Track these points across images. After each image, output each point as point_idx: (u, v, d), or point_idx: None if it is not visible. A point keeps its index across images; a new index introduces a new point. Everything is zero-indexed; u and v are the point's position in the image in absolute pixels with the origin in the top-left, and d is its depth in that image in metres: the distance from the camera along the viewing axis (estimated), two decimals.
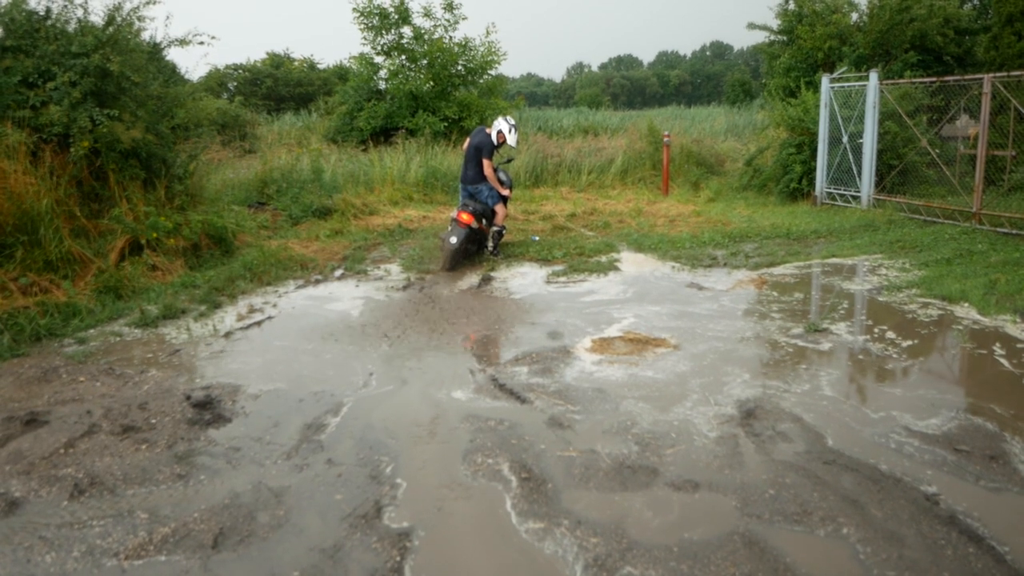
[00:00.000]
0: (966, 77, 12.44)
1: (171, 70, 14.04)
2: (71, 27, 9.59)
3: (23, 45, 9.17)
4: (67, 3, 9.66)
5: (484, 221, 9.75)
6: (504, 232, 10.12)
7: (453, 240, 9.18)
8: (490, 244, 9.95)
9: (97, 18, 9.78)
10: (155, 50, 10.76)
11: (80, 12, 9.72)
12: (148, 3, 10.13)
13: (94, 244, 8.55)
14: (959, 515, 3.46)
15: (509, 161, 11.74)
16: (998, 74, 11.27)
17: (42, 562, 3.28)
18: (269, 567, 3.22)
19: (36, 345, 6.41)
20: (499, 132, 9.84)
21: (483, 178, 9.75)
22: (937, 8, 16.82)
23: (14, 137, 8.27)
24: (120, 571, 3.20)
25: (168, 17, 10.88)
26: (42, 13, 9.53)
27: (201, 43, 10.80)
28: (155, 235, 8.85)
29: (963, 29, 17.04)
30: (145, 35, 10.41)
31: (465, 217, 9.30)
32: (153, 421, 4.78)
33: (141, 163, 9.55)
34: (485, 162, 9.61)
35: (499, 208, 9.93)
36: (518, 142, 10.88)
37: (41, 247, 7.86)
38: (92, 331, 6.78)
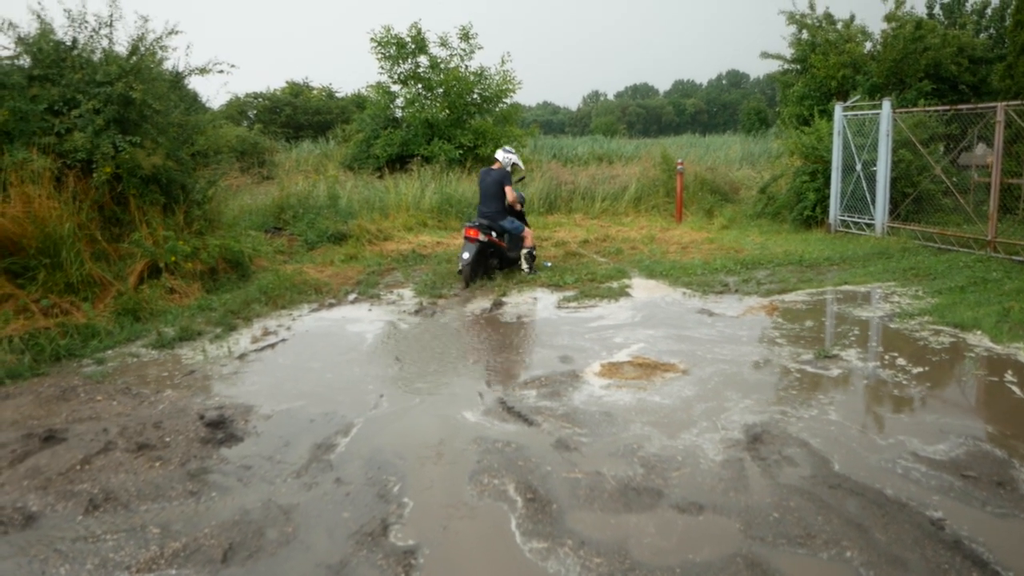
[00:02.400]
0: (980, 106, 12.48)
1: (192, 98, 14.33)
2: (96, 56, 9.81)
3: (50, 74, 9.39)
4: (93, 33, 9.91)
5: (505, 237, 10.31)
6: (535, 252, 10.60)
7: (466, 256, 9.81)
8: (525, 266, 10.39)
9: (121, 48, 10.03)
10: (177, 79, 10.97)
11: (105, 42, 9.97)
12: (170, 33, 10.39)
13: (114, 267, 8.69)
14: (964, 540, 3.44)
15: (521, 180, 12.44)
16: (1012, 102, 11.27)
17: (56, 574, 3.34)
18: None
19: (56, 365, 6.52)
20: (512, 164, 10.53)
21: (505, 212, 10.32)
22: (951, 37, 16.88)
23: (39, 163, 8.44)
24: None
25: (189, 46, 11.15)
26: (69, 43, 9.76)
27: (221, 71, 11.03)
28: (173, 259, 8.99)
29: (978, 58, 17.06)
30: (167, 64, 10.64)
31: (472, 232, 9.91)
32: (167, 439, 4.85)
33: (161, 188, 9.72)
34: (508, 189, 10.32)
35: (527, 232, 10.50)
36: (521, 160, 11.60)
37: (63, 270, 7.99)
38: (110, 352, 6.89)
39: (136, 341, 7.23)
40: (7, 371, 6.20)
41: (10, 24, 9.53)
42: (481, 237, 9.93)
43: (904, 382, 5.75)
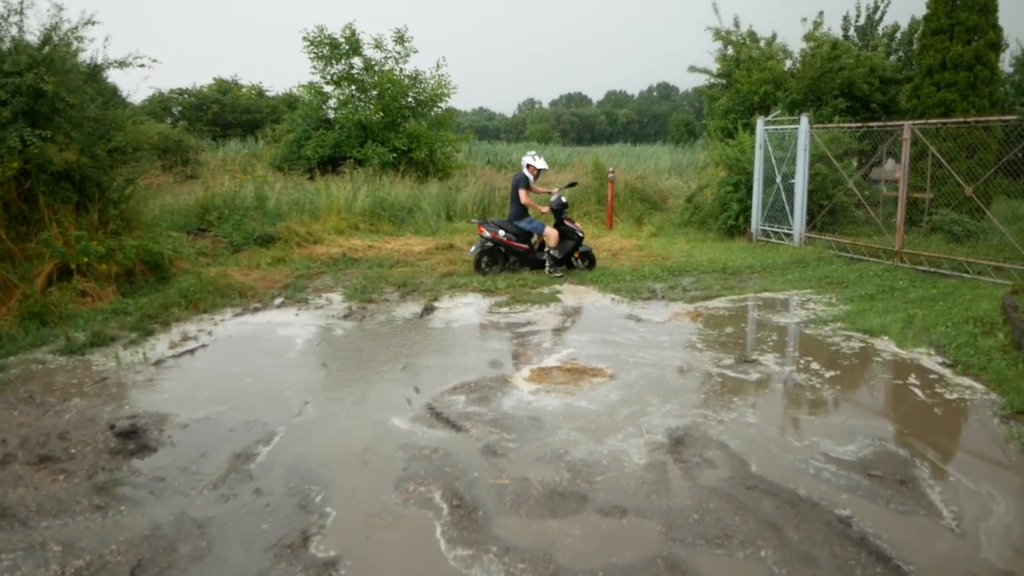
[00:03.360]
0: (889, 124, 12.99)
1: (111, 92, 13.77)
2: (4, 45, 9.34)
3: None
4: (1, 21, 9.44)
5: (523, 239, 10.98)
6: (559, 254, 10.89)
7: (473, 249, 11.02)
8: (548, 265, 10.75)
9: (33, 37, 9.56)
10: (94, 71, 10.53)
11: (15, 31, 9.47)
12: (87, 23, 9.93)
13: (20, 268, 8.28)
14: (869, 536, 3.56)
15: (572, 185, 12.82)
16: (917, 121, 11.79)
17: None
18: None
19: None
20: (528, 166, 11.15)
21: (521, 214, 10.93)
22: (864, 58, 17.57)
23: None
24: None
25: (107, 38, 10.67)
26: None
27: (142, 65, 10.61)
28: (86, 260, 8.62)
29: (888, 78, 17.74)
30: (84, 56, 10.21)
31: (479, 228, 10.97)
32: (73, 451, 4.63)
33: (74, 186, 9.30)
34: (521, 192, 10.96)
35: (549, 231, 10.83)
36: (545, 167, 11.98)
37: None
38: (12, 359, 6.56)
39: (42, 347, 6.90)
40: None
41: None
42: (485, 233, 10.77)
43: (817, 386, 5.93)
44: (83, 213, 9.44)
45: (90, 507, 3.93)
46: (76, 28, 9.88)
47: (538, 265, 10.88)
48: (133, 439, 4.82)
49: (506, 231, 10.82)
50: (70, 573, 3.30)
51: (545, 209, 11.24)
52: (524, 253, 10.91)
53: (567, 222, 11.00)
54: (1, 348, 6.77)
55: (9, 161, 8.42)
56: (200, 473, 4.34)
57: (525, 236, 10.90)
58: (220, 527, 3.73)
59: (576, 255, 11.11)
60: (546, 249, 10.79)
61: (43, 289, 8.14)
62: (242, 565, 3.39)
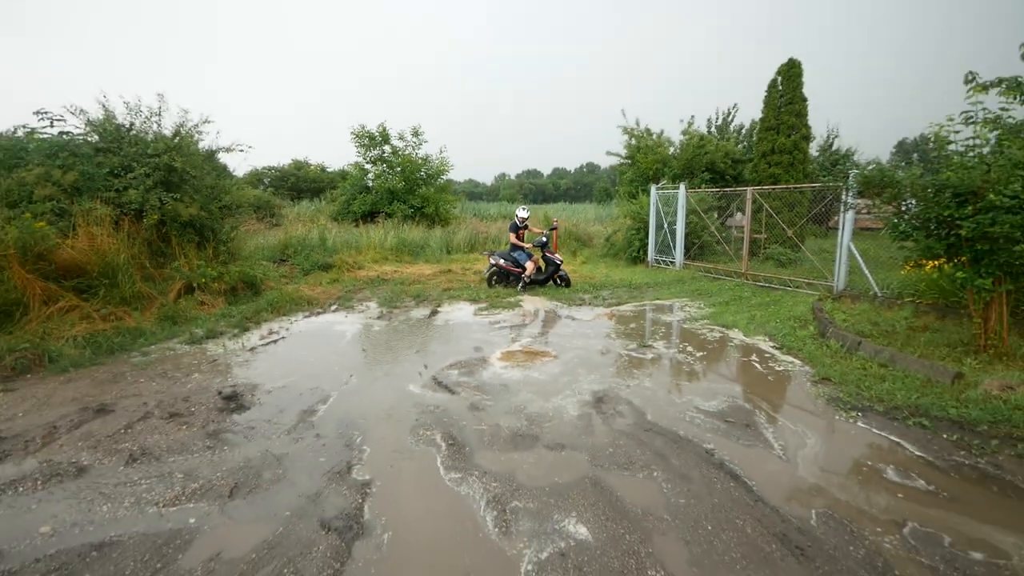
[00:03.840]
0: (737, 189, 13.21)
1: (222, 168, 13.60)
2: (149, 136, 9.25)
3: (111, 147, 8.81)
4: (146, 120, 9.34)
5: (516, 265, 10.75)
6: (529, 278, 10.68)
7: (486, 271, 11.09)
8: (520, 285, 10.65)
9: (167, 131, 9.49)
10: (210, 154, 10.43)
11: (155, 126, 9.42)
12: (204, 122, 9.92)
13: (159, 286, 8.13)
14: (727, 463, 3.60)
15: (553, 228, 12.76)
16: (756, 188, 12.01)
17: (100, 511, 3.07)
18: (271, 507, 3.10)
19: (110, 357, 6.04)
20: (518, 216, 11.00)
21: (512, 249, 10.97)
22: (721, 146, 17.89)
23: (101, 211, 7.90)
24: (158, 516, 3.02)
25: (218, 132, 10.95)
26: (127, 126, 9.17)
27: (241, 150, 10.55)
28: (204, 280, 8.49)
29: (737, 159, 18.09)
30: (203, 143, 10.13)
31: (488, 258, 11.18)
32: (192, 409, 4.55)
33: (196, 231, 9.20)
34: (510, 234, 10.96)
35: (528, 264, 10.67)
36: (529, 215, 12.30)
37: (118, 288, 7.45)
38: (153, 347, 6.43)
39: (173, 339, 6.77)
40: (71, 361, 5.70)
41: (81, 110, 8.91)
42: (491, 260, 10.92)
43: (691, 362, 5.98)
44: (202, 249, 9.33)
45: (203, 447, 3.86)
46: (197, 125, 9.82)
47: (530, 283, 10.77)
48: (234, 401, 4.76)
49: (505, 260, 10.80)
50: (188, 493, 3.24)
51: (528, 246, 11.10)
52: (518, 275, 10.78)
53: (548, 254, 10.87)
54: (145, 340, 6.61)
55: (151, 214, 8.39)
56: (279, 423, 4.28)
57: (517, 263, 10.78)
58: (291, 460, 3.68)
59: (557, 277, 10.95)
60: (524, 275, 10.62)
61: (174, 300, 7.99)
62: (306, 485, 3.34)
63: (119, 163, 8.63)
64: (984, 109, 5.56)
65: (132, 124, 9.21)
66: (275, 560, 2.66)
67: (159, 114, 9.45)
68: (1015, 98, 8.00)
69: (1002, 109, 5.65)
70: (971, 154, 5.52)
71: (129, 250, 7.94)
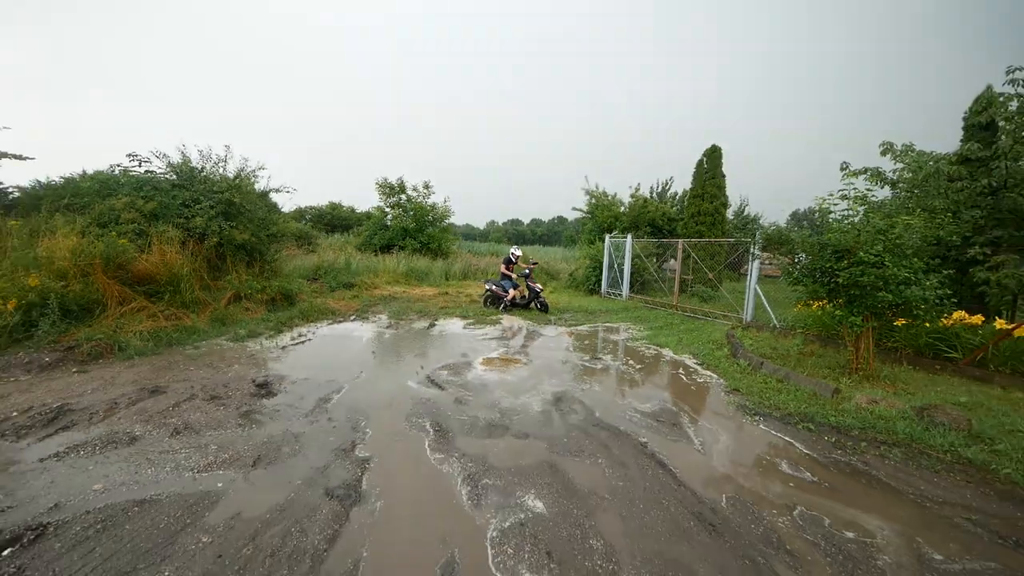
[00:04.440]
0: (671, 240, 13.36)
1: (273, 205, 13.48)
2: (215, 177, 9.11)
3: (185, 184, 8.64)
4: (215, 164, 9.21)
5: (504, 291, 10.44)
6: (508, 303, 10.45)
7: (482, 295, 10.72)
8: (501, 306, 10.43)
9: (230, 173, 9.36)
10: (263, 194, 10.30)
11: (221, 169, 9.27)
12: (259, 168, 9.81)
13: (213, 295, 7.87)
14: (657, 453, 3.52)
15: (535, 264, 12.39)
16: (686, 240, 12.19)
17: (145, 473, 2.89)
18: (286, 476, 2.94)
19: (168, 349, 5.79)
20: (512, 254, 11.02)
21: (503, 278, 10.81)
22: (660, 207, 18.19)
23: (172, 233, 7.70)
24: (192, 480, 2.85)
25: (270, 176, 10.52)
26: (199, 168, 9.03)
27: (288, 192, 10.46)
28: (250, 291, 8.26)
29: (672, 218, 18.35)
30: (259, 184, 10.01)
31: (484, 284, 10.91)
32: (230, 394, 4.35)
33: (247, 252, 8.98)
34: (503, 266, 10.78)
35: (510, 291, 10.52)
36: (521, 254, 12.19)
37: (180, 294, 7.20)
38: (203, 343, 6.19)
39: (220, 337, 6.52)
40: (136, 351, 5.46)
41: (163, 155, 8.76)
42: (487, 286, 10.61)
43: (632, 372, 5.90)
44: (250, 267, 9.09)
45: (235, 425, 3.68)
46: (254, 170, 9.69)
47: (513, 306, 10.57)
48: (265, 388, 4.56)
49: (496, 286, 10.65)
50: (219, 461, 3.07)
51: (515, 276, 11.04)
52: (505, 298, 10.57)
53: (530, 283, 10.75)
54: (199, 337, 6.37)
55: (212, 238, 8.17)
56: (299, 408, 4.11)
57: (505, 289, 10.61)
58: (307, 438, 3.51)
59: (537, 302, 10.73)
60: (506, 298, 10.45)
61: (225, 306, 7.73)
62: (317, 458, 3.19)
63: (190, 196, 8.47)
64: (855, 189, 5.72)
65: (204, 167, 9.09)
66: (285, 520, 2.50)
67: (225, 160, 9.35)
68: (876, 183, 8.26)
69: (868, 190, 5.83)
70: (846, 222, 5.66)
71: (191, 265, 7.72)
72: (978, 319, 6.34)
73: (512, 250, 11.06)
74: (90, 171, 9.07)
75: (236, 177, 9.28)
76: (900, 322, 6.22)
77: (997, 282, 6.68)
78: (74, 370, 4.79)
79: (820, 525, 2.72)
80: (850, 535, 2.64)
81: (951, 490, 3.15)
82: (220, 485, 2.81)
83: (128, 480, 2.81)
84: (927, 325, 6.22)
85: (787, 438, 3.96)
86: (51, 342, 5.35)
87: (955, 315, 6.43)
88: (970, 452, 3.61)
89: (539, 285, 10.91)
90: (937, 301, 5.12)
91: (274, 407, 4.09)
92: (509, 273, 10.93)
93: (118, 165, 8.63)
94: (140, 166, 8.65)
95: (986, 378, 5.63)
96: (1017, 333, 5.81)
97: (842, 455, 3.67)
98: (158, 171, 8.71)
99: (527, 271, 10.92)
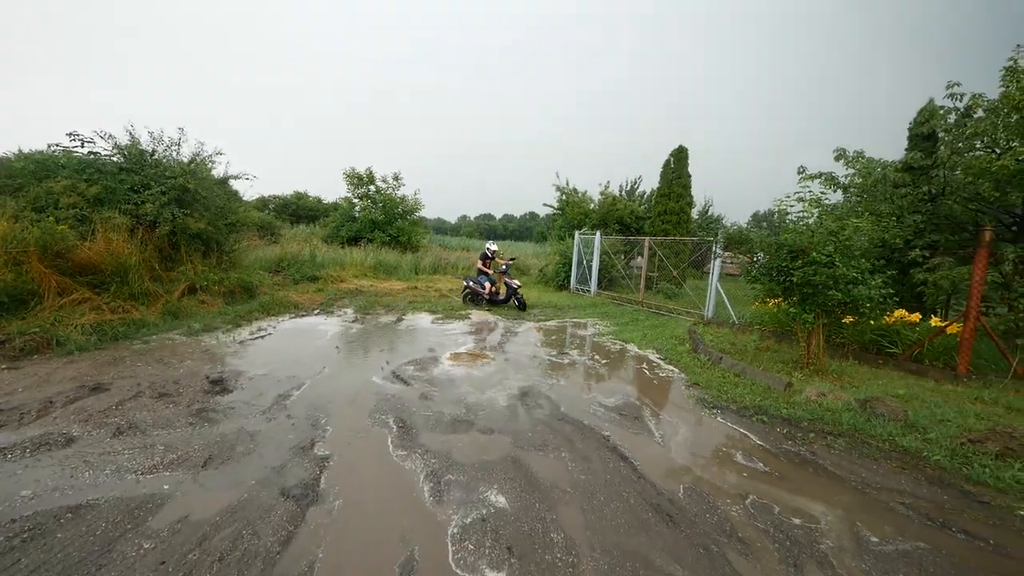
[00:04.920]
0: (638, 238, 13.63)
1: (234, 193, 12.87)
2: (169, 162, 8.60)
3: (134, 168, 8.12)
4: (167, 148, 8.70)
5: (481, 287, 10.27)
6: (484, 297, 10.30)
7: (461, 291, 10.41)
8: (483, 301, 10.26)
9: (184, 158, 8.86)
10: (222, 180, 9.81)
11: (174, 153, 8.77)
12: (217, 153, 9.34)
13: (165, 286, 7.45)
14: (619, 447, 3.57)
15: (513, 259, 12.16)
16: (652, 237, 12.44)
17: (81, 477, 2.70)
18: (238, 477, 2.82)
19: (113, 343, 5.45)
20: (488, 249, 10.93)
21: (479, 274, 10.74)
22: (629, 205, 18.44)
23: (119, 220, 7.23)
24: (135, 482, 2.68)
25: (228, 162, 9.99)
26: (150, 152, 8.50)
27: (247, 178, 10.02)
28: (205, 283, 7.87)
29: (640, 216, 18.60)
30: (217, 171, 9.53)
31: (463, 280, 10.51)
32: (181, 391, 4.13)
33: (203, 242, 8.53)
34: (479, 263, 10.75)
35: (486, 284, 10.39)
36: (497, 249, 11.48)
37: (128, 285, 6.79)
38: (154, 337, 5.86)
39: (173, 331, 6.19)
40: (77, 346, 5.11)
41: (110, 135, 8.20)
42: (465, 283, 10.49)
43: (598, 367, 5.96)
44: (207, 257, 8.65)
45: (185, 424, 3.49)
46: (211, 155, 9.22)
47: (492, 303, 10.36)
48: (219, 385, 4.36)
49: (474, 283, 10.48)
50: (166, 462, 2.91)
51: (491, 272, 10.88)
52: (483, 294, 10.40)
53: (507, 279, 10.52)
54: (148, 331, 6.02)
55: (164, 225, 7.72)
56: (256, 405, 3.95)
57: (482, 285, 10.44)
58: (263, 436, 3.38)
59: (515, 299, 10.52)
60: (484, 293, 10.30)
61: (178, 298, 7.34)
62: (273, 458, 3.07)
63: (139, 181, 7.96)
64: (810, 192, 5.97)
65: (154, 151, 8.56)
66: (236, 522, 2.39)
67: (178, 143, 8.84)
68: (829, 187, 8.65)
69: (822, 193, 6.11)
70: (801, 223, 5.91)
71: (141, 254, 7.27)
72: (916, 317, 6.77)
73: (488, 245, 10.93)
74: (26, 150, 8.39)
75: (191, 162, 8.80)
76: (848, 319, 6.56)
77: (934, 283, 7.15)
78: (3, 366, 4.44)
79: (770, 513, 2.83)
80: (797, 522, 2.76)
81: (888, 476, 3.35)
82: (166, 487, 2.66)
83: (62, 484, 2.62)
84: (872, 323, 6.59)
85: (742, 430, 4.10)
86: None
87: (896, 313, 6.84)
88: (906, 441, 3.85)
89: (516, 282, 10.72)
90: (881, 300, 5.42)
91: (229, 404, 3.91)
92: (486, 269, 10.84)
93: (57, 145, 8.01)
94: (83, 147, 8.07)
95: (921, 372, 6.03)
96: (949, 330, 6.24)
97: (792, 446, 3.83)
98: (103, 152, 8.15)
99: (504, 267, 10.82)
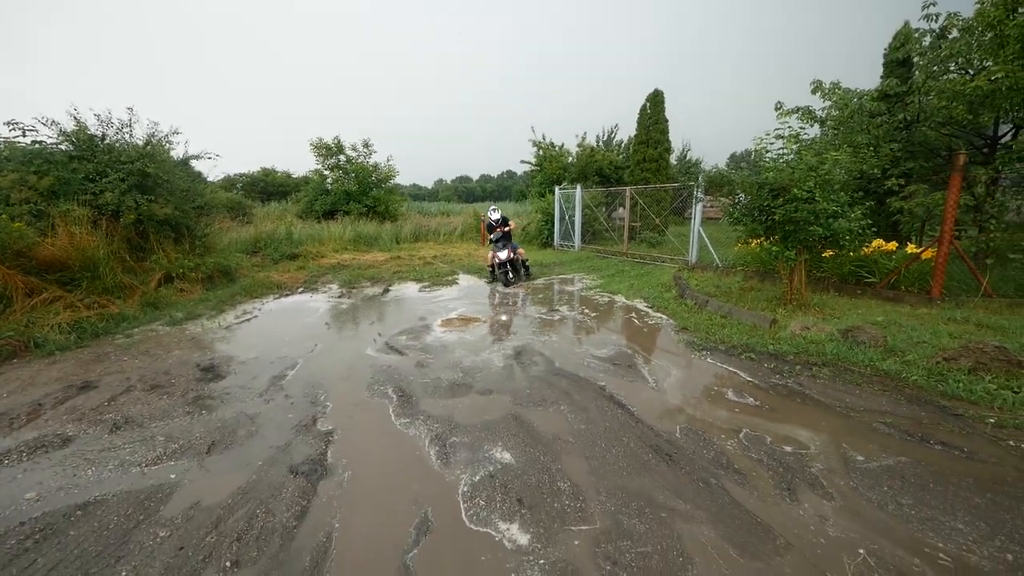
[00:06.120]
0: (619, 189, 13.54)
1: (197, 174, 12.27)
2: (122, 146, 8.10)
3: (85, 155, 7.63)
4: (117, 131, 8.17)
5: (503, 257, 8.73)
6: (507, 271, 8.78)
7: (490, 266, 8.77)
8: (507, 275, 8.72)
9: (139, 141, 8.35)
10: (183, 161, 9.32)
11: (127, 136, 8.25)
12: (173, 133, 8.82)
13: (140, 277, 7.20)
14: (614, 395, 3.68)
15: (511, 225, 10.13)
16: (633, 187, 12.35)
17: (85, 475, 2.68)
18: (245, 459, 2.83)
19: (95, 340, 5.30)
20: (494, 219, 9.09)
21: (503, 237, 8.99)
22: (607, 156, 18.21)
23: (79, 212, 6.86)
24: (141, 475, 2.68)
25: (187, 141, 9.51)
26: (99, 136, 7.97)
27: (210, 158, 9.52)
28: (181, 271, 7.63)
29: (619, 166, 18.47)
30: (176, 152, 9.03)
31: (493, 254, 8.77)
32: (173, 381, 4.08)
33: (172, 228, 8.19)
34: (483, 229, 9.93)
35: (490, 255, 8.89)
36: (496, 212, 9.33)
37: (100, 279, 6.53)
38: (136, 330, 5.72)
39: (155, 323, 6.04)
40: (57, 345, 4.96)
41: (53, 122, 7.64)
42: (497, 257, 8.76)
43: (588, 320, 6.04)
44: (179, 244, 8.35)
45: (182, 413, 3.47)
46: (167, 135, 8.71)
47: (506, 273, 8.76)
48: (211, 371, 4.31)
49: (508, 249, 8.82)
50: (169, 452, 2.90)
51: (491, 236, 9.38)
52: (516, 267, 8.94)
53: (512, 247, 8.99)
54: (128, 324, 5.86)
55: (128, 214, 7.37)
56: (252, 388, 3.93)
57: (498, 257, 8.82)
58: (263, 418, 3.38)
59: (523, 269, 9.29)
60: (495, 262, 8.86)
61: (155, 289, 7.12)
62: (276, 438, 3.08)
63: (94, 169, 7.49)
64: (789, 127, 5.92)
65: (104, 135, 8.02)
66: (249, 503, 2.43)
67: (130, 125, 8.29)
68: (807, 122, 8.59)
69: (800, 128, 6.06)
70: (781, 160, 5.90)
71: (108, 246, 6.96)
72: (892, 246, 6.94)
73: (490, 214, 9.20)
74: None
75: (147, 144, 8.30)
76: (828, 253, 6.70)
77: (909, 211, 7.29)
78: None
79: (763, 443, 2.98)
80: (788, 449, 2.91)
81: (870, 399, 3.53)
82: (173, 476, 2.67)
83: (66, 484, 2.61)
84: (851, 255, 6.75)
85: (731, 368, 4.24)
86: None
87: (874, 243, 7.00)
88: (885, 364, 4.03)
89: (521, 249, 9.49)
90: (860, 232, 5.53)
91: (224, 390, 3.88)
92: (485, 234, 10.61)
93: None
94: (24, 136, 7.52)
95: (898, 298, 6.25)
96: (924, 256, 6.43)
97: (780, 379, 3.99)
98: (48, 141, 7.62)
99: (503, 232, 9.33)
